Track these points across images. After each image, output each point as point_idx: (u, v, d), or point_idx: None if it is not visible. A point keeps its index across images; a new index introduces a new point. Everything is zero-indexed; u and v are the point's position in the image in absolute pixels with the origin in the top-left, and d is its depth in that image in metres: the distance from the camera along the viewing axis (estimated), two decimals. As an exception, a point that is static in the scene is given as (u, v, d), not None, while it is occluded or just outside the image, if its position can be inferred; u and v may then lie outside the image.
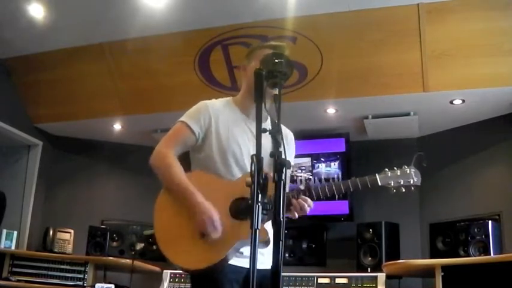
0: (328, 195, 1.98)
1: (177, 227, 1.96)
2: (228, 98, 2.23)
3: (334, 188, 1.97)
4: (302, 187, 1.97)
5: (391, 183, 2.02)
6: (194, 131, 2.07)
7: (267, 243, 1.88)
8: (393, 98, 4.25)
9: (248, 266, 1.47)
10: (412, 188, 2.05)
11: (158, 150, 2.07)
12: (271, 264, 1.46)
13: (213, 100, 2.18)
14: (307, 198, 1.94)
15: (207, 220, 1.89)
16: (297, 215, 1.94)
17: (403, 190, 2.05)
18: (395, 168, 2.06)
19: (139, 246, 4.86)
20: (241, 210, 1.90)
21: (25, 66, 4.86)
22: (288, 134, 2.24)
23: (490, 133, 4.47)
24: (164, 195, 2.03)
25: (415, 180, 2.04)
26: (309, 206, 1.93)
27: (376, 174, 2.03)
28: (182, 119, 2.11)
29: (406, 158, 2.10)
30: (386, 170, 2.05)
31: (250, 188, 1.50)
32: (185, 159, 2.14)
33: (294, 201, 1.92)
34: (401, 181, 2.03)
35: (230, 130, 2.09)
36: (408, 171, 2.04)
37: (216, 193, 1.96)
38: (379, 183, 2.01)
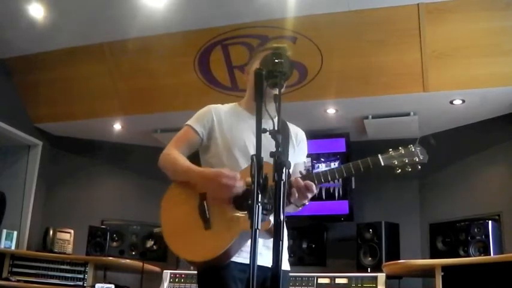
0: (330, 179, 1.94)
1: (182, 221, 1.98)
2: (234, 103, 2.28)
3: (335, 171, 1.95)
4: (303, 172, 1.98)
5: (395, 163, 1.98)
6: (197, 131, 2.14)
7: (270, 234, 1.86)
8: (393, 98, 4.25)
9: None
10: (419, 166, 2.00)
11: (163, 153, 2.15)
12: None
13: (219, 104, 2.24)
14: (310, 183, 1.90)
15: (218, 181, 1.89)
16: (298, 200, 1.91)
17: (409, 169, 2.00)
18: (400, 147, 2.02)
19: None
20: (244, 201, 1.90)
21: (25, 66, 4.85)
22: (298, 132, 2.27)
23: (490, 133, 4.47)
24: (170, 193, 2.08)
25: (421, 158, 2.00)
26: (311, 190, 1.89)
27: (379, 155, 1.99)
28: (187, 122, 2.20)
29: (406, 158, 2.07)
30: (390, 150, 2.02)
31: (250, 188, 1.50)
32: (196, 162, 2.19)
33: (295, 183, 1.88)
34: (406, 160, 1.99)
35: (234, 126, 2.14)
36: (413, 149, 2.01)
37: None
38: (382, 163, 1.97)
